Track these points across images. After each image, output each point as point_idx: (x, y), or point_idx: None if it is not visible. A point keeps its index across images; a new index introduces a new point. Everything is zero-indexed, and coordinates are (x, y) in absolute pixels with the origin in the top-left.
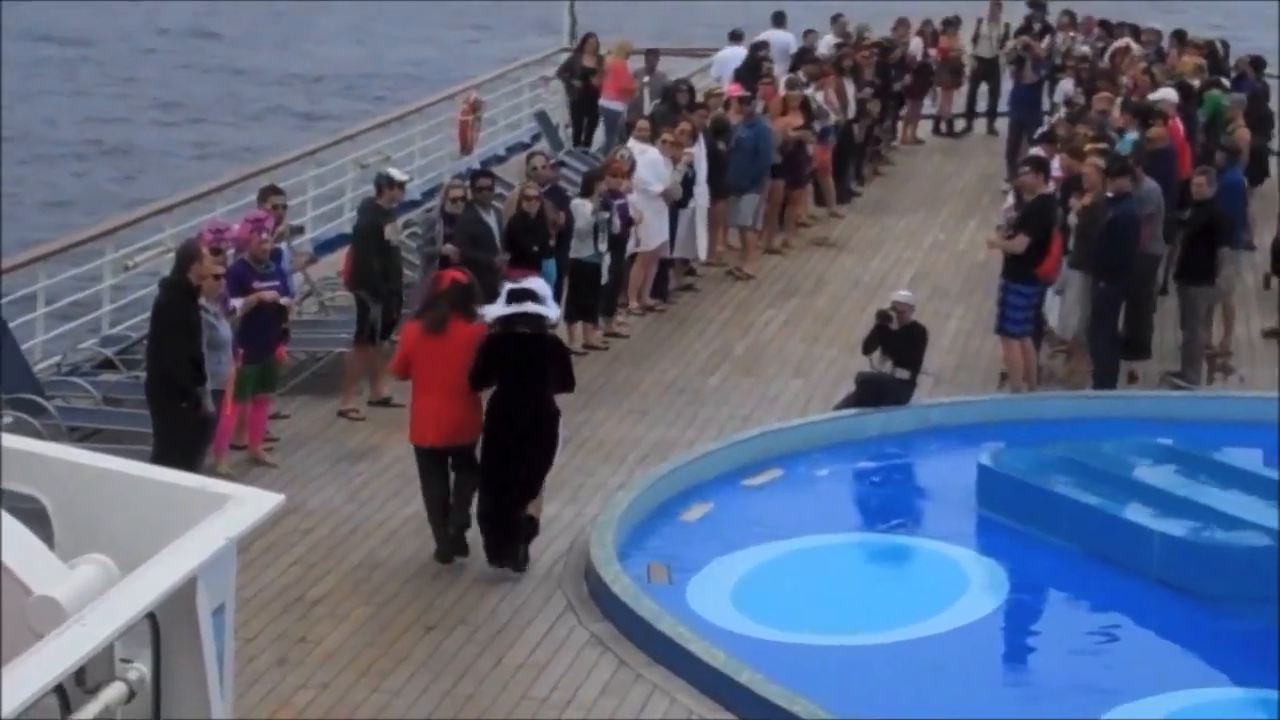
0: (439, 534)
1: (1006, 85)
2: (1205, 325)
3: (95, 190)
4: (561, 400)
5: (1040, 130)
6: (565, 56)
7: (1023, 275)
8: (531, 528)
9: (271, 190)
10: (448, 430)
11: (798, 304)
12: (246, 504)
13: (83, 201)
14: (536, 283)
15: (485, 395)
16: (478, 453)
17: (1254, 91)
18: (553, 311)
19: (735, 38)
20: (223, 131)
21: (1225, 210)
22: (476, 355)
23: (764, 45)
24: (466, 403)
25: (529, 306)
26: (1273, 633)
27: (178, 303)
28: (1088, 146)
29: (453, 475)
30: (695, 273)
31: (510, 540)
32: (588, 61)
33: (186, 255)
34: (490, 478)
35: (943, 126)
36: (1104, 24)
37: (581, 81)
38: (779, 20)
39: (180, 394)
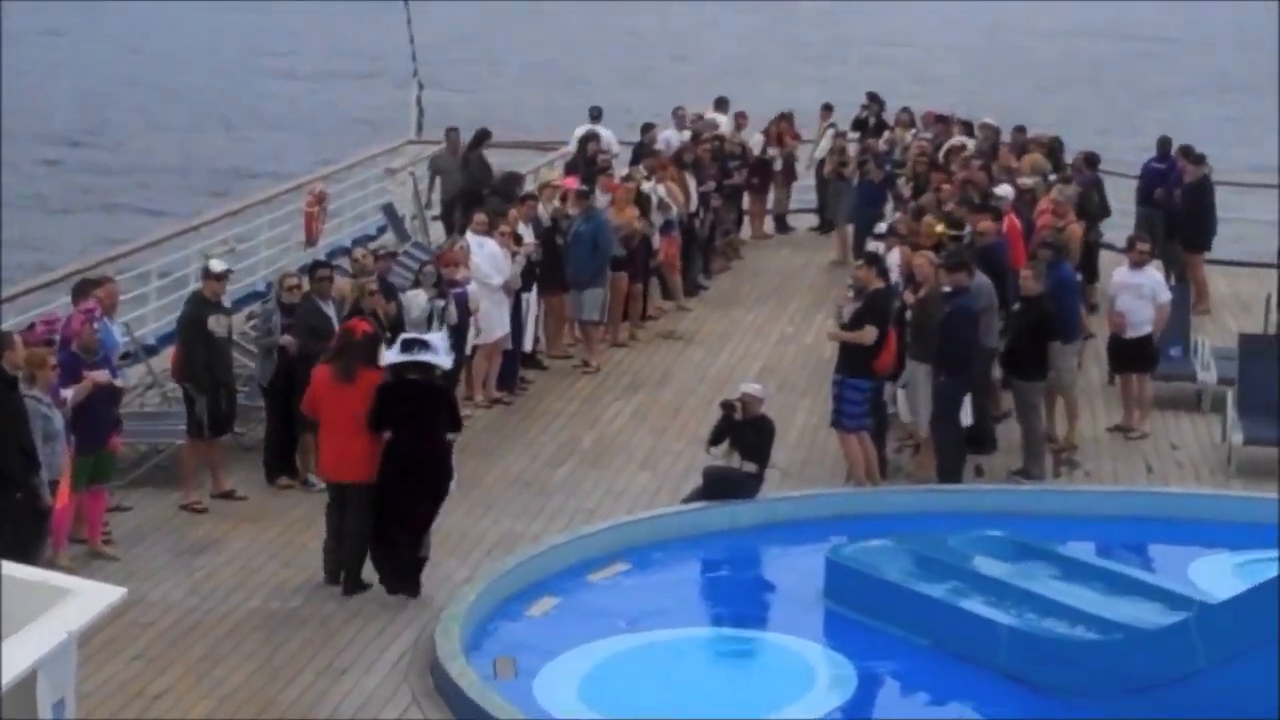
0: (328, 558)
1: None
2: (1047, 418)
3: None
4: None
5: (881, 226)
6: (412, 149)
7: (858, 370)
8: (422, 560)
9: (88, 284)
10: (349, 466)
11: (645, 397)
12: (87, 597)
13: None
14: (432, 335)
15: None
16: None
17: (1087, 186)
18: (445, 360)
19: (596, 117)
20: (105, 226)
21: (1056, 305)
22: (373, 399)
23: (594, 137)
24: (367, 442)
25: (422, 355)
26: None
27: None
28: (939, 229)
29: (348, 511)
30: (541, 365)
31: (402, 571)
32: (451, 153)
33: None
34: (386, 511)
35: (789, 222)
36: (941, 118)
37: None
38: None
39: (13, 485)
